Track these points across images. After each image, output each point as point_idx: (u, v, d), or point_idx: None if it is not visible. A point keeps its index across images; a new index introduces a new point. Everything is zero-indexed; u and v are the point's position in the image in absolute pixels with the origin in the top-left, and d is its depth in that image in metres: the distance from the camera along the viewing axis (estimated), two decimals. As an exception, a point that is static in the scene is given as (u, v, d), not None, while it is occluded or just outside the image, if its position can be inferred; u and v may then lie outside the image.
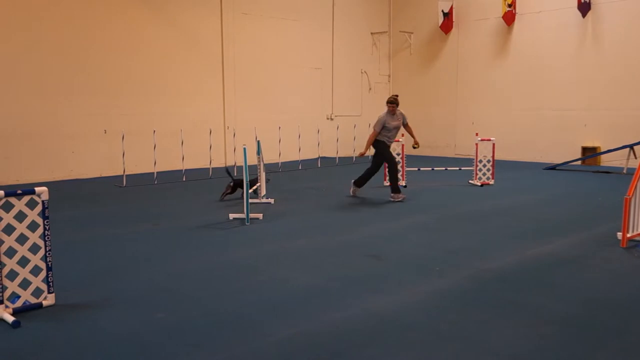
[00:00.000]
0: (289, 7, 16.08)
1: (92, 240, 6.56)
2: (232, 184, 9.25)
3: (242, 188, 8.59)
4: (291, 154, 14.63)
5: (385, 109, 9.56)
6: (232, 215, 7.66)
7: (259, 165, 8.98)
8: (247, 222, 7.36)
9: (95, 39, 12.38)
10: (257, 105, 15.39)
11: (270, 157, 13.20)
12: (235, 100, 15.00)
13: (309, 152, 15.37)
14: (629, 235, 6.08)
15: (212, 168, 12.70)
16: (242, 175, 7.59)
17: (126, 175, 11.26)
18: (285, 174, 12.95)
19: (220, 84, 14.72)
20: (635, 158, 12.47)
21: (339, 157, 15.46)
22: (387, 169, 9.65)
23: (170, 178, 11.87)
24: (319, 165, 14.62)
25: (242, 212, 7.48)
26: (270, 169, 12.89)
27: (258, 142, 9.14)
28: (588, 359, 3.40)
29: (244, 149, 7.59)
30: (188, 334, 3.80)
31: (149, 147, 11.82)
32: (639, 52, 13.82)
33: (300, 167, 14.01)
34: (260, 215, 7.72)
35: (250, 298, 4.52)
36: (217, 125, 14.43)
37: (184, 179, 11.75)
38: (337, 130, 15.44)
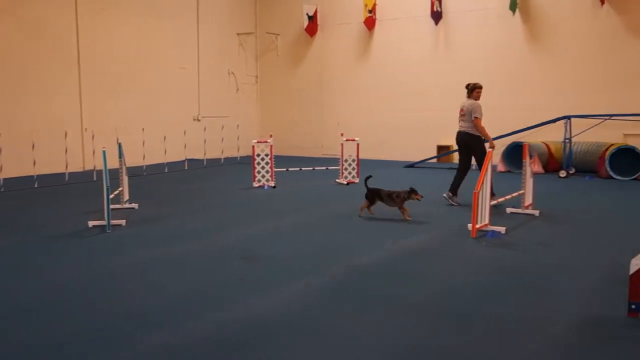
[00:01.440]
0: (151, 4, 15.51)
1: None
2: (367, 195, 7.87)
3: (380, 198, 7.77)
4: (156, 157, 14.11)
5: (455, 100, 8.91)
6: (91, 223, 7.21)
7: (121, 169, 8.55)
8: (109, 229, 6.96)
9: None
10: (118, 106, 14.66)
11: (133, 160, 12.63)
12: (94, 100, 14.16)
13: (176, 154, 14.92)
14: (477, 226, 6.62)
15: (69, 173, 11.87)
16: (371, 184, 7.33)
17: (-33, 183, 10.16)
18: (150, 177, 12.46)
19: (77, 83, 13.82)
20: (483, 155, 13.59)
21: (206, 159, 15.18)
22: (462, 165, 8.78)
23: (20, 185, 10.90)
24: (186, 168, 14.25)
25: (103, 218, 7.07)
26: (135, 172, 12.35)
27: (119, 144, 8.69)
28: (448, 342, 3.64)
29: (103, 152, 7.19)
30: (48, 354, 3.50)
31: (-5, 151, 10.75)
32: (483, 57, 15.11)
33: (166, 170, 13.56)
34: (123, 222, 7.35)
35: (115, 310, 4.27)
36: (74, 127, 13.52)
37: (36, 186, 10.85)
38: (204, 132, 15.15)
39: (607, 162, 11.89)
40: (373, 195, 7.80)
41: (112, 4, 14.49)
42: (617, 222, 7.54)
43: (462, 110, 8.74)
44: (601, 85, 13.66)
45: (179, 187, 11.04)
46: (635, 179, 11.55)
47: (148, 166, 13.48)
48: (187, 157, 15.09)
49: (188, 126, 15.83)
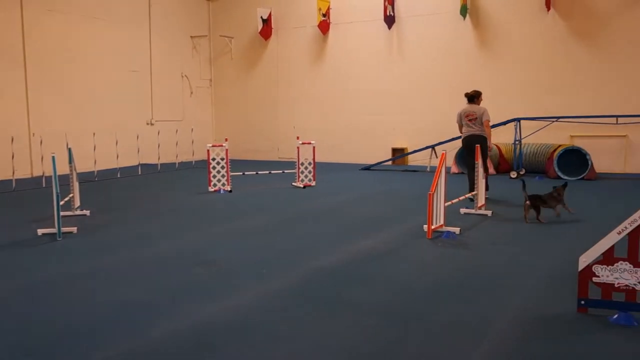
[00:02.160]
0: (101, 5, 15.15)
1: None
2: (528, 202, 7.55)
3: (544, 203, 7.59)
4: (108, 162, 13.78)
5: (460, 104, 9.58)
6: (40, 231, 6.98)
7: (72, 174, 8.31)
8: (59, 237, 6.75)
9: None
10: (68, 110, 14.25)
11: (84, 165, 12.31)
12: (42, 104, 13.71)
13: (128, 159, 14.61)
14: (433, 227, 6.73)
15: (16, 179, 11.46)
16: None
17: None
18: (102, 183, 12.16)
19: (23, 86, 13.35)
20: (436, 157, 13.84)
21: (160, 164, 14.92)
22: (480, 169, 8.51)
23: (-37, 192, 10.47)
24: (140, 173, 13.97)
25: (53, 226, 6.85)
26: (86, 178, 12.04)
27: (69, 149, 8.45)
28: (405, 343, 3.68)
29: (53, 157, 6.97)
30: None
31: None
32: (435, 62, 15.40)
33: (118, 175, 13.25)
34: (74, 229, 7.14)
35: (65, 320, 4.14)
36: (21, 132, 13.07)
37: (-19, 193, 10.44)
38: (158, 136, 14.89)
39: (555, 162, 12.29)
40: (536, 202, 7.56)
41: (60, 5, 14.08)
42: (565, 221, 7.79)
43: (471, 114, 9.28)
44: (548, 88, 14.11)
45: (132, 193, 10.81)
46: (581, 178, 11.98)
47: (100, 172, 13.15)
48: (141, 162, 14.79)
49: (141, 130, 15.55)
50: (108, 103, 15.33)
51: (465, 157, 9.59)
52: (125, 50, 15.90)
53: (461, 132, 9.52)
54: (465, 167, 13.30)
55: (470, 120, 9.29)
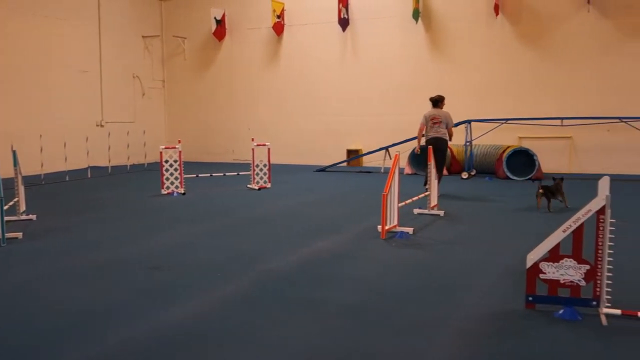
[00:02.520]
0: (49, 3, 14.70)
1: None
2: (541, 190, 8.51)
3: (552, 194, 8.48)
4: (56, 164, 13.37)
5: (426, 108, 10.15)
6: (-17, 237, 6.71)
7: (17, 178, 8.02)
8: (3, 244, 6.51)
9: None
10: (13, 111, 13.76)
11: (31, 168, 11.92)
12: (-15, 105, 13.21)
13: (77, 162, 14.20)
14: (387, 227, 6.80)
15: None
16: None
17: None
18: (49, 187, 11.78)
19: (-36, 86, 12.84)
20: (390, 159, 13.99)
21: (111, 166, 14.58)
22: (436, 166, 8.80)
23: None
24: (90, 176, 13.61)
25: (-3, 231, 6.60)
26: (32, 181, 11.65)
27: (14, 152, 8.15)
28: (361, 343, 3.71)
29: (-4, 160, 6.72)
30: None
31: None
32: (388, 64, 15.59)
33: (67, 178, 12.87)
34: (19, 235, 6.89)
35: (7, 330, 3.99)
36: (-38, 134, 12.56)
37: None
38: (108, 138, 14.53)
39: (504, 163, 12.62)
40: (547, 192, 8.49)
41: (5, 2, 13.58)
42: (514, 220, 8.02)
43: (436, 118, 9.93)
44: (498, 90, 14.49)
45: (82, 196, 10.52)
46: (529, 178, 12.33)
47: (47, 175, 12.74)
48: (90, 165, 14.42)
49: (91, 132, 15.15)
50: (56, 104, 14.88)
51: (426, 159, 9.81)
52: (74, 50, 15.48)
53: (422, 134, 10.01)
54: (421, 168, 13.54)
55: (434, 123, 9.90)
